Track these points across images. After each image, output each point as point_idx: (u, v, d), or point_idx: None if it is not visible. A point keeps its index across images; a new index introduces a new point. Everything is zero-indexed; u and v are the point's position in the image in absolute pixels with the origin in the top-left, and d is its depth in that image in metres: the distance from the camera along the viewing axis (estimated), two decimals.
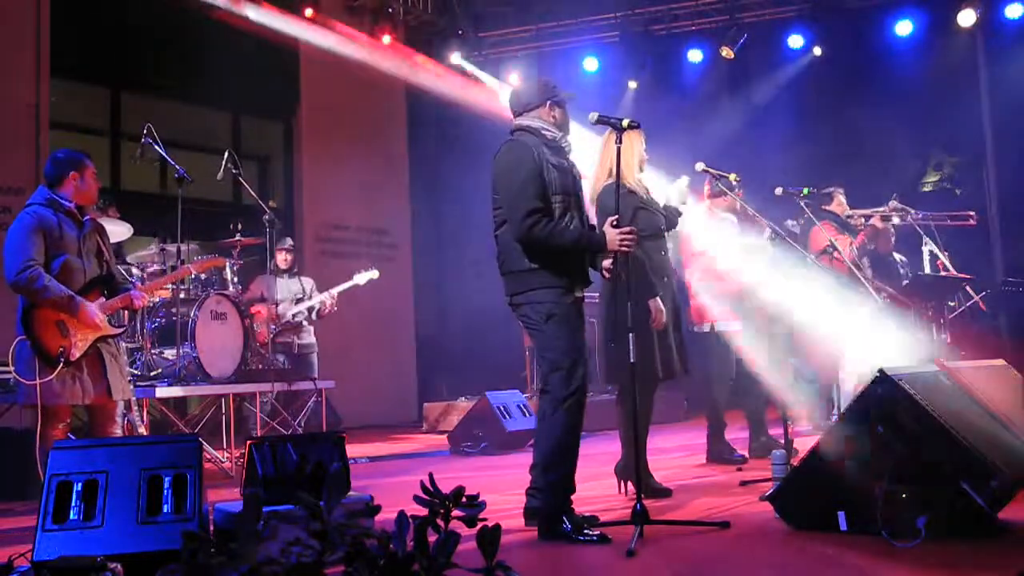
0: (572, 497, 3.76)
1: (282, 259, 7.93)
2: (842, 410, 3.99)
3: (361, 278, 7.98)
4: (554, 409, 3.71)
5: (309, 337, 8.01)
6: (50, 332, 4.15)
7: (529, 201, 3.72)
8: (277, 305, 7.77)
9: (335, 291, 7.94)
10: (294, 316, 7.84)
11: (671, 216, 4.90)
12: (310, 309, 7.89)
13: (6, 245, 4.21)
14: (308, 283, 8.10)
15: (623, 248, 3.75)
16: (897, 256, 7.51)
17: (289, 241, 8.14)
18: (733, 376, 5.79)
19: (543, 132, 3.89)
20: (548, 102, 3.93)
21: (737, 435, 6.01)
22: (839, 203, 6.99)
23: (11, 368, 4.26)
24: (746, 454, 5.75)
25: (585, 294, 3.94)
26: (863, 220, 6.98)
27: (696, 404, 5.77)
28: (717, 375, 5.76)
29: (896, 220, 7.14)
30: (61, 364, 4.12)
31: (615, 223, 3.76)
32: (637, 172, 4.70)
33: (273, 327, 7.63)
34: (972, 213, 7.49)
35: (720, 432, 5.75)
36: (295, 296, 7.93)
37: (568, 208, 3.81)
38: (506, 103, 4.13)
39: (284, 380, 6.87)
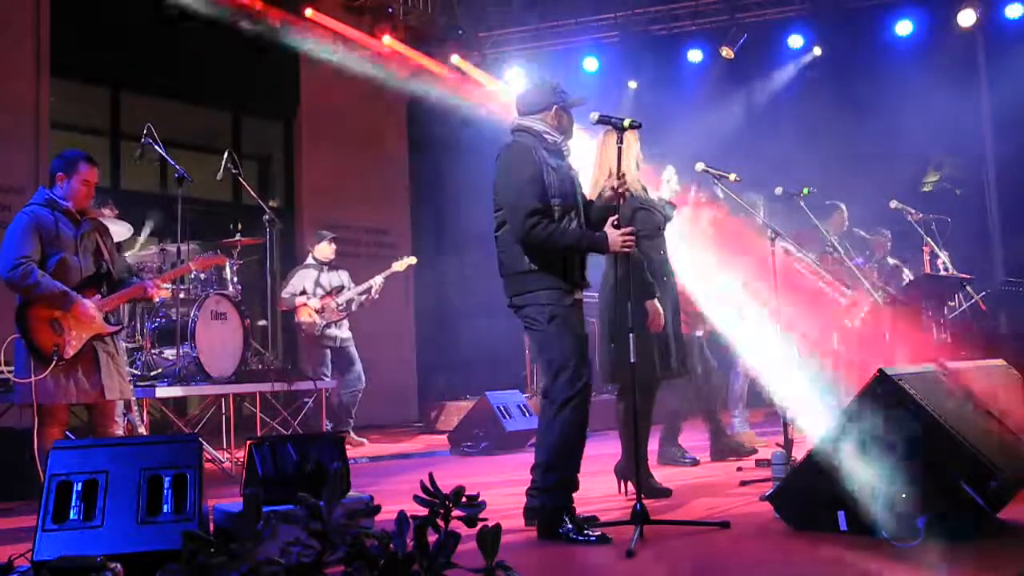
0: (573, 497, 3.77)
1: (331, 249, 7.97)
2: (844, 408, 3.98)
3: (400, 265, 8.06)
4: (558, 410, 3.71)
5: (347, 330, 8.03)
6: (44, 330, 4.15)
7: (530, 201, 3.72)
8: (323, 297, 7.85)
9: (379, 279, 7.98)
10: (348, 304, 7.91)
11: (667, 213, 4.91)
12: (362, 294, 7.95)
13: (2, 244, 4.23)
14: (344, 275, 8.09)
15: (624, 249, 3.76)
16: (892, 260, 7.53)
17: (331, 234, 8.16)
18: (699, 380, 5.83)
19: (544, 135, 3.88)
20: (555, 107, 3.93)
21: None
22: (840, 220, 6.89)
23: (4, 367, 4.27)
24: (698, 457, 5.81)
25: (584, 295, 3.94)
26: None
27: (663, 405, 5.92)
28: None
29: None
30: (55, 362, 4.12)
31: (616, 223, 3.76)
32: (634, 171, 4.69)
33: (322, 320, 7.73)
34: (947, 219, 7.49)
35: (675, 435, 5.79)
36: (335, 288, 7.95)
37: (567, 211, 3.81)
38: (506, 103, 4.14)
39: (284, 380, 6.87)
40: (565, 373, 3.70)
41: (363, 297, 7.96)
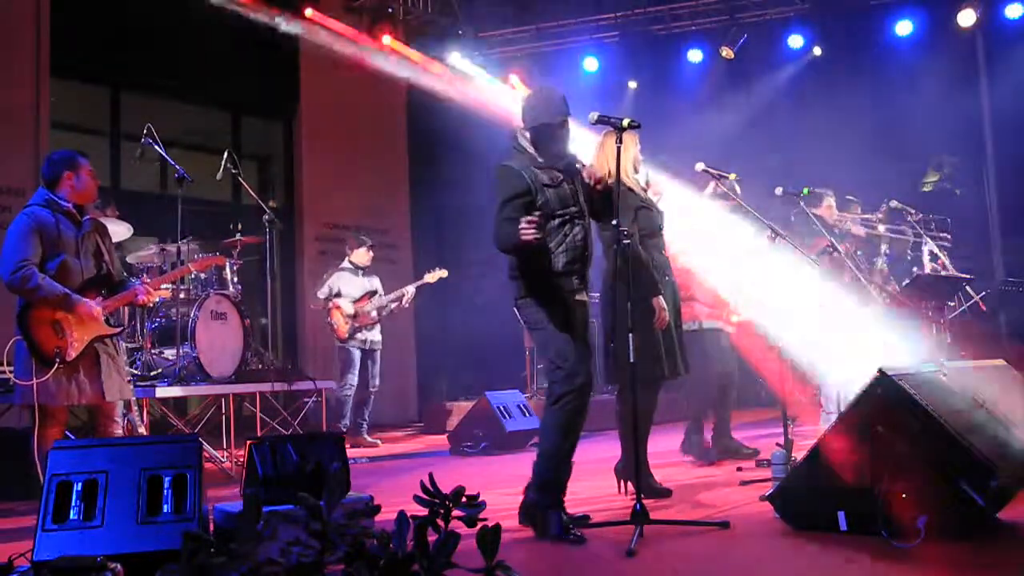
0: (568, 496, 3.77)
1: (368, 256, 8.05)
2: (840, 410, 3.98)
3: (431, 277, 8.13)
4: (552, 406, 3.75)
5: (379, 334, 8.10)
6: (46, 332, 4.15)
7: (502, 221, 3.73)
8: (359, 301, 7.91)
9: (412, 288, 8.08)
10: (380, 311, 7.98)
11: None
12: (394, 302, 8.03)
13: (3, 246, 4.22)
14: (376, 281, 8.15)
15: (524, 238, 3.58)
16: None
17: (369, 240, 8.24)
18: (725, 374, 5.85)
19: (536, 157, 3.87)
20: (523, 127, 3.90)
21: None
22: (828, 207, 6.92)
23: (6, 368, 4.27)
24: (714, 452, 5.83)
25: (587, 295, 3.94)
26: (851, 226, 6.98)
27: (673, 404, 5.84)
28: (704, 373, 5.76)
29: (881, 229, 7.11)
30: (57, 364, 4.12)
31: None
32: (632, 172, 4.70)
33: (355, 324, 7.82)
34: (948, 235, 7.50)
35: (700, 429, 5.82)
36: (368, 293, 8.01)
37: (568, 220, 3.80)
38: (505, 103, 4.13)
39: (284, 380, 6.87)
40: (561, 372, 3.72)
41: (395, 305, 8.07)
